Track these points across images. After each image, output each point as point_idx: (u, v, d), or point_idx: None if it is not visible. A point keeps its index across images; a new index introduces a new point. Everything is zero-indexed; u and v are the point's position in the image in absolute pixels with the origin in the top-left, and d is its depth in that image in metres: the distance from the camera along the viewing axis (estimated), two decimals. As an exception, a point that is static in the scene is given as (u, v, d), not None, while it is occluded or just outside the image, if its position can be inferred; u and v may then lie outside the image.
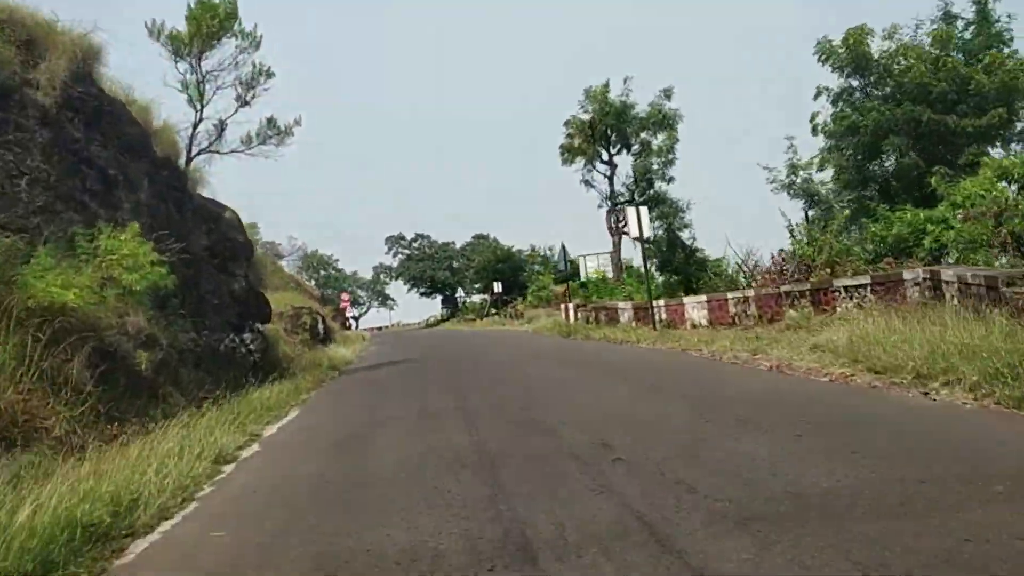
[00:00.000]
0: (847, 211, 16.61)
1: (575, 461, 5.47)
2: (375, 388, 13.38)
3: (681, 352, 13.04)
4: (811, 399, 7.14)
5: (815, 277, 14.90)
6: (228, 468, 6.95)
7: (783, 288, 15.06)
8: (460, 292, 76.67)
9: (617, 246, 28.38)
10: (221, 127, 16.89)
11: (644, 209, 18.48)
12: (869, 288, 13.20)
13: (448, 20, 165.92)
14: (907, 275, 12.29)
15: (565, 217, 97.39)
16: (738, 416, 6.42)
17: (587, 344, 18.54)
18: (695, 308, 17.39)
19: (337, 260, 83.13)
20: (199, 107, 16.40)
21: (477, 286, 67.38)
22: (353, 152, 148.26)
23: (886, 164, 18.04)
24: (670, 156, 27.22)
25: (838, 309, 13.70)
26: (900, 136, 16.45)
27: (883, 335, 9.12)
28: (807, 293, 14.53)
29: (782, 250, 16.24)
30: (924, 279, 11.74)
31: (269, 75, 16.91)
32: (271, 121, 17.18)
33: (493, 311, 55.67)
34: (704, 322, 16.98)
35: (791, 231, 16.79)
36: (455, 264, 76.90)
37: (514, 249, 61.53)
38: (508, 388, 10.58)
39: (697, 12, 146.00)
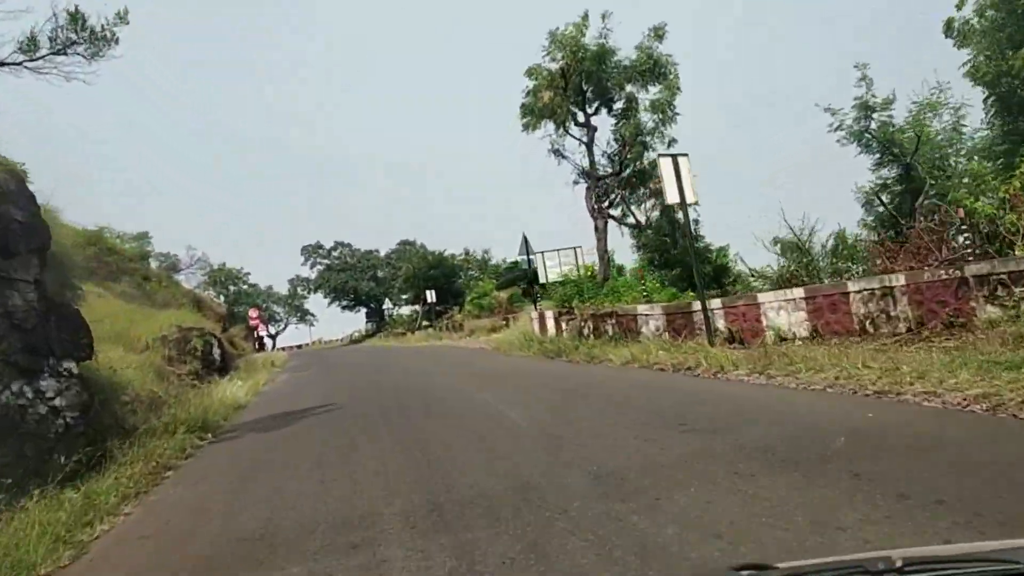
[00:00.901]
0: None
1: None
2: (260, 500, 6.30)
3: (875, 399, 6.63)
4: None
5: (1021, 248, 8.86)
6: None
7: (970, 270, 8.91)
8: (387, 304, 69.95)
9: (603, 232, 21.78)
10: (-18, 26, 9.70)
11: (684, 160, 12.12)
12: None
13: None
14: None
15: (505, 212, 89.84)
16: None
17: (617, 373, 11.72)
18: (781, 310, 11.13)
19: (248, 274, 75.24)
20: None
21: (406, 296, 60.90)
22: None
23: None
24: (669, 112, 20.97)
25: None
26: None
27: None
28: (1022, 275, 8.45)
29: (953, 203, 10.07)
30: None
31: (69, -61, 9.85)
32: (75, 16, 10.01)
33: (426, 323, 49.15)
34: (803, 331, 10.73)
35: (939, 180, 10.79)
36: (380, 274, 70.19)
37: (446, 253, 55.35)
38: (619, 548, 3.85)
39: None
